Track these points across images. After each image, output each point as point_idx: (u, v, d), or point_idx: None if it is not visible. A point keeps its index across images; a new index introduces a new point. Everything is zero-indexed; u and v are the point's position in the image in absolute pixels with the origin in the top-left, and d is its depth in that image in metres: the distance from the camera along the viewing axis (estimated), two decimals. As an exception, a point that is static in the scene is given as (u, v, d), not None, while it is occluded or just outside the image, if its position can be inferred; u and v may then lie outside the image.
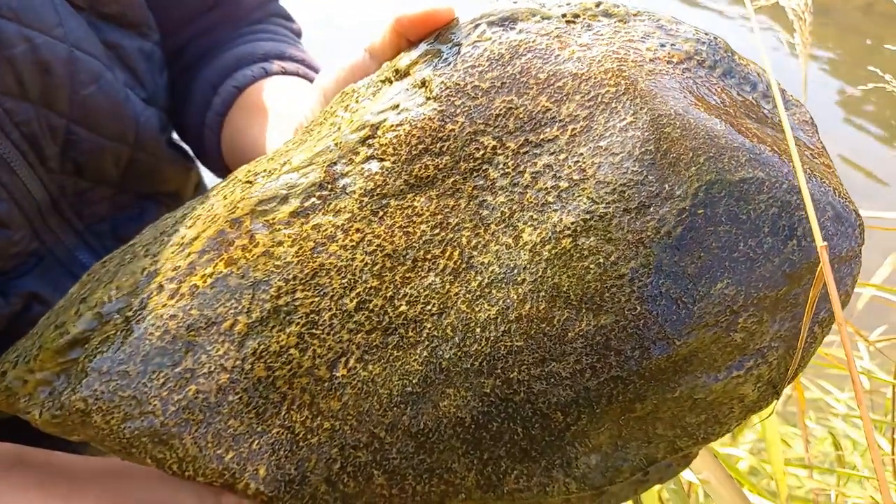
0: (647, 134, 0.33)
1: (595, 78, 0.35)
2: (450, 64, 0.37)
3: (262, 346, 0.37)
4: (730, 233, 0.32)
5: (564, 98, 0.35)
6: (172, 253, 0.40)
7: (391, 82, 0.40)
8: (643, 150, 0.33)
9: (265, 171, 0.41)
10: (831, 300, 0.32)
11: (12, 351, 0.43)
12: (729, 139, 0.33)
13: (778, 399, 0.34)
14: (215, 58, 0.66)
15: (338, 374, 0.36)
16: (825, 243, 0.31)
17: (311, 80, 0.65)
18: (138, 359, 0.38)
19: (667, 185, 0.32)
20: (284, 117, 0.58)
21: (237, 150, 0.62)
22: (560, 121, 0.35)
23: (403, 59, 0.40)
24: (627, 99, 0.34)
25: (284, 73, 0.65)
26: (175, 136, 0.67)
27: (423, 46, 0.39)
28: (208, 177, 0.72)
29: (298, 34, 0.73)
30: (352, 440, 0.36)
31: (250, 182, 0.40)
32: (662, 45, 0.37)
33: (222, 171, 0.67)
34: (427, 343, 0.35)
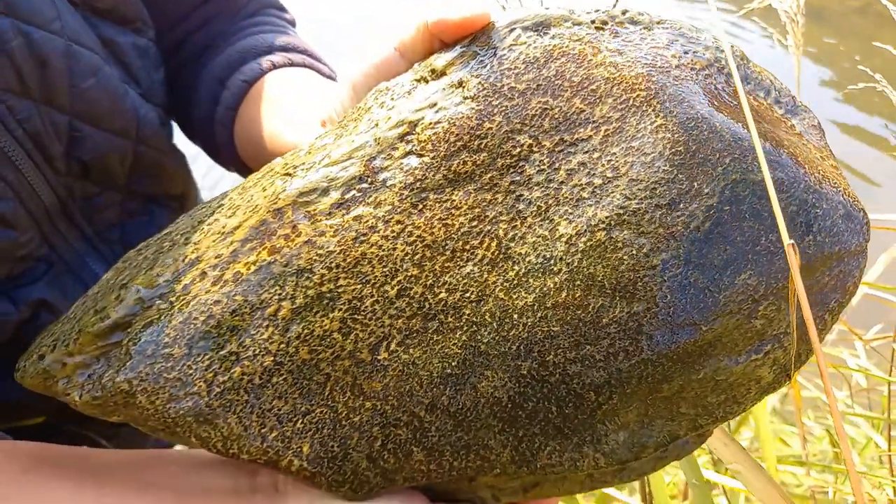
0: (676, 136, 0.36)
1: (626, 82, 0.37)
2: (486, 66, 0.40)
3: (305, 331, 0.39)
4: (753, 228, 0.34)
5: (597, 101, 0.37)
6: (214, 241, 0.41)
7: (427, 81, 0.42)
8: (673, 150, 0.35)
9: (303, 164, 0.42)
10: (799, 298, 0.34)
11: (48, 335, 0.44)
12: (751, 142, 0.36)
13: (789, 381, 0.37)
14: (218, 52, 0.66)
15: (380, 357, 0.38)
16: (792, 241, 0.34)
17: (317, 71, 0.66)
18: (183, 342, 0.39)
19: (696, 184, 0.35)
20: (301, 108, 0.59)
21: (253, 143, 0.63)
22: (594, 122, 0.37)
23: (439, 60, 0.42)
24: (658, 102, 0.37)
25: (291, 64, 0.65)
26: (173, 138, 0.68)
27: (458, 48, 0.41)
28: (205, 182, 0.73)
29: (293, 24, 0.74)
30: (393, 419, 0.38)
31: (290, 174, 0.42)
32: (686, 52, 0.39)
33: (237, 165, 0.67)
34: (466, 328, 0.37)
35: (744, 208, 0.35)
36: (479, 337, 0.37)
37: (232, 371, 0.39)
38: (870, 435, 0.76)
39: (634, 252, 0.35)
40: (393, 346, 0.38)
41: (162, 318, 0.40)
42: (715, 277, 0.34)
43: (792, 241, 0.34)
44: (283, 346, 0.39)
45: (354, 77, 0.46)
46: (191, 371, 0.39)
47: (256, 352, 0.39)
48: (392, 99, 0.43)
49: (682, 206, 0.35)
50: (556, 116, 0.38)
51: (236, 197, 0.44)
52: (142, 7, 0.58)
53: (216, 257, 0.41)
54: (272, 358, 0.39)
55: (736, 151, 0.35)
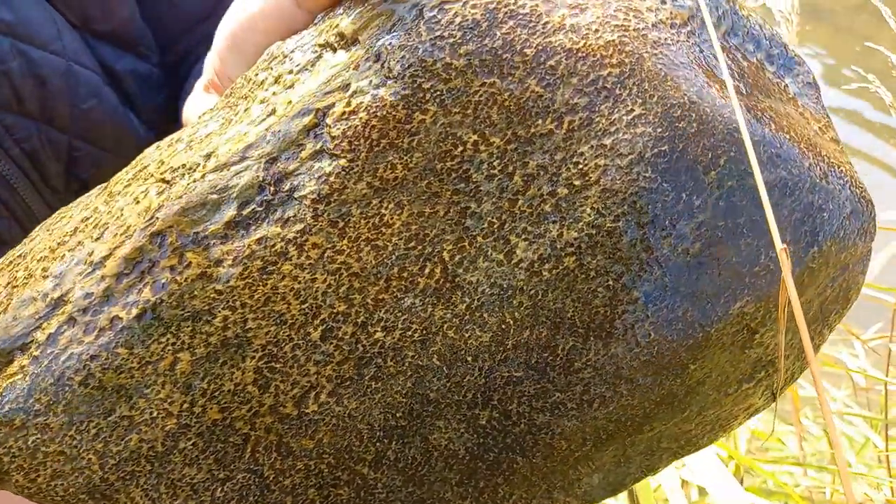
0: (659, 130, 0.28)
1: (594, 55, 0.29)
2: (411, 32, 0.30)
3: (213, 386, 0.31)
4: (751, 245, 0.28)
5: (558, 81, 0.29)
6: (80, 276, 0.32)
7: (334, 49, 0.32)
8: (656, 150, 0.28)
9: (184, 165, 0.33)
10: (794, 313, 0.29)
11: None
12: (750, 132, 0.29)
13: (777, 399, 0.32)
14: None
15: (308, 411, 0.32)
16: (784, 245, 0.28)
17: None
18: (60, 409, 0.31)
19: (684, 195, 0.28)
20: None
21: None
22: (554, 111, 0.29)
23: (346, 20, 0.32)
24: (634, 84, 0.29)
25: None
26: None
27: (370, 2, 0.31)
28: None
29: None
30: (331, 479, 0.32)
31: (167, 181, 0.33)
32: (663, 2, 0.31)
33: None
34: (411, 373, 0.31)
35: (741, 222, 0.28)
36: (426, 384, 0.31)
37: (127, 439, 0.32)
38: (867, 435, 0.75)
39: (611, 283, 0.29)
40: (323, 398, 0.32)
41: (28, 378, 0.32)
42: (706, 308, 0.29)
43: (784, 246, 0.28)
44: (186, 405, 0.31)
45: (233, 26, 0.36)
46: (75, 442, 0.32)
47: (155, 415, 0.32)
48: (291, 72, 0.33)
49: (668, 223, 0.28)
50: (507, 104, 0.29)
51: (102, 208, 0.34)
52: (145, 31, 0.55)
53: (86, 298, 0.32)
54: (175, 420, 0.32)
55: (732, 148, 0.28)
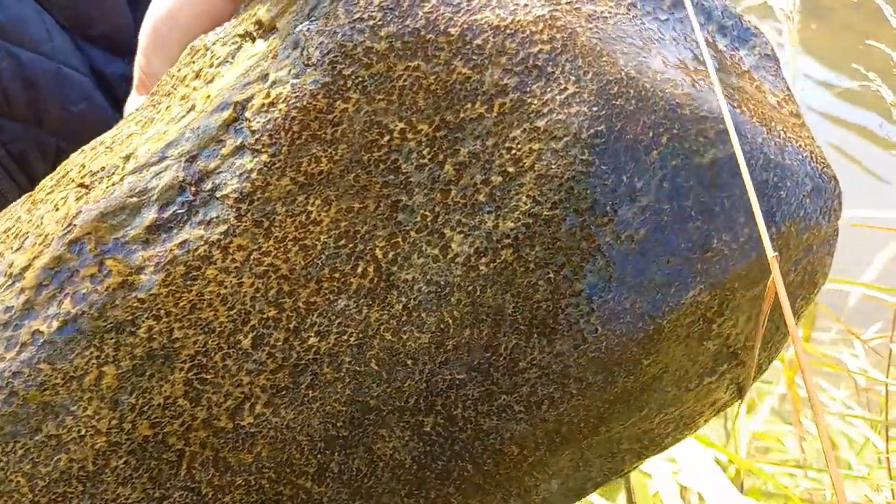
0: (595, 109, 0.26)
1: (523, 31, 0.27)
2: (329, 16, 0.28)
3: (141, 401, 0.30)
4: (701, 229, 0.26)
5: (486, 61, 0.27)
6: (1, 288, 0.31)
7: (253, 39, 0.30)
8: (592, 131, 0.26)
9: (104, 168, 0.31)
10: (784, 313, 0.27)
11: None
12: (694, 107, 0.27)
13: (742, 398, 0.30)
14: None
15: (244, 423, 0.30)
16: (776, 254, 0.26)
17: None
18: None
19: (625, 177, 0.26)
20: None
21: None
22: (484, 93, 0.27)
23: (263, 6, 0.30)
24: (567, 61, 0.26)
25: None
26: None
27: None
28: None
29: None
30: (273, 494, 0.30)
31: (86, 186, 0.31)
32: None
33: None
34: (349, 380, 0.29)
35: (688, 204, 0.26)
36: (366, 390, 0.29)
37: (56, 459, 0.30)
38: (867, 435, 0.73)
39: (551, 275, 0.27)
40: (259, 409, 0.30)
41: None
42: (656, 299, 0.26)
43: (776, 254, 0.26)
44: (115, 422, 0.30)
45: (154, 22, 0.34)
46: (2, 465, 0.30)
47: (83, 433, 0.30)
48: (212, 65, 0.31)
49: (608, 209, 0.26)
50: (433, 88, 0.27)
51: (24, 217, 0.33)
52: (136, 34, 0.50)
53: (6, 312, 0.30)
54: (105, 438, 0.30)
55: (674, 125, 0.26)
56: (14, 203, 0.35)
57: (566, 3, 0.27)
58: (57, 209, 0.31)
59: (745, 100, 0.28)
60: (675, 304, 0.27)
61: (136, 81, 0.37)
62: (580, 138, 0.26)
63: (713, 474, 0.58)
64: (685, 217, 0.26)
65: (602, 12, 0.28)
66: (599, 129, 0.26)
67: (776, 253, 0.25)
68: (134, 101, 0.38)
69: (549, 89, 0.27)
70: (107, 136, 0.33)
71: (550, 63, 0.27)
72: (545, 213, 0.26)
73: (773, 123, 0.28)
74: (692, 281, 0.27)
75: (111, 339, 0.29)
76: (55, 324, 0.30)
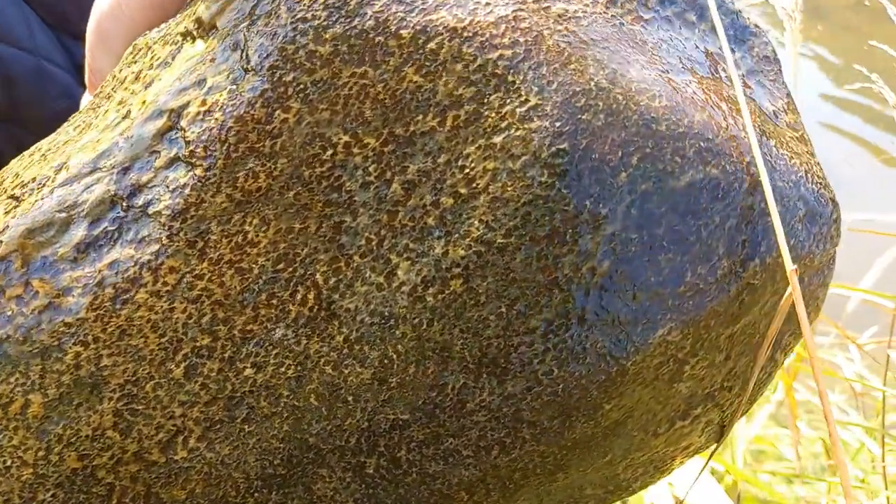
0: (558, 125, 0.23)
1: (482, 34, 0.24)
2: (270, 15, 0.25)
3: (69, 431, 0.28)
4: (674, 262, 0.23)
5: (440, 68, 0.24)
6: None
7: (193, 39, 0.28)
8: (553, 149, 0.23)
9: (35, 179, 0.29)
10: (805, 337, 0.24)
11: None
12: (672, 122, 0.24)
13: (722, 440, 0.27)
14: None
15: (176, 458, 0.28)
16: (795, 267, 0.23)
17: None
18: None
19: (588, 203, 0.23)
20: None
21: None
22: (436, 104, 0.24)
23: (202, 3, 0.27)
24: (530, 68, 0.24)
25: None
26: None
27: None
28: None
29: None
30: None
31: (16, 198, 0.29)
32: None
33: None
34: (287, 415, 0.27)
35: (660, 233, 0.23)
36: (305, 427, 0.26)
37: None
38: (862, 440, 0.71)
39: (503, 310, 0.24)
40: (192, 443, 0.27)
41: None
42: (620, 339, 0.24)
43: (795, 266, 0.23)
44: (42, 453, 0.28)
45: (98, 16, 0.31)
46: None
47: (9, 464, 0.28)
48: (151, 66, 0.29)
49: (568, 238, 0.23)
50: (381, 97, 0.25)
51: None
52: None
53: None
54: (31, 470, 0.28)
55: (648, 143, 0.23)
56: None
57: (533, 2, 0.24)
58: None
59: (733, 106, 0.25)
60: (641, 345, 0.24)
61: (86, 80, 0.34)
62: (540, 158, 0.23)
63: (709, 486, 0.56)
64: (656, 248, 0.23)
65: (575, 11, 0.25)
66: (562, 147, 0.23)
67: (794, 266, 0.22)
68: (85, 101, 0.36)
69: (508, 101, 0.24)
70: (45, 142, 0.31)
71: (511, 71, 0.24)
72: (499, 240, 0.24)
73: (763, 139, 0.25)
74: (661, 318, 0.24)
75: (37, 365, 0.27)
76: None
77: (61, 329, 0.27)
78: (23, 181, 0.29)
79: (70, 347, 0.27)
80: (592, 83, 0.23)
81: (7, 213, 0.29)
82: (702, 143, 0.24)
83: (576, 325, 0.24)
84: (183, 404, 0.27)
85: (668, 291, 0.24)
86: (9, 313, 0.28)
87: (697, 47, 0.27)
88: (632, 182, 0.23)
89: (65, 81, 0.50)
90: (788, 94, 0.28)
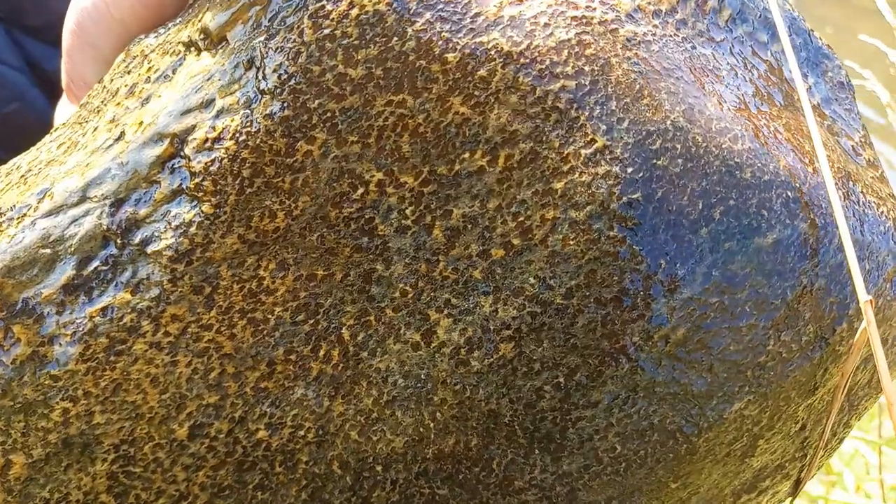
0: (630, 170, 0.20)
1: (541, 60, 0.21)
2: (292, 29, 0.22)
3: (56, 496, 0.24)
4: (755, 328, 0.21)
5: (492, 99, 0.21)
6: None
7: (199, 51, 0.24)
8: (625, 200, 0.20)
9: (14, 207, 0.25)
10: (879, 373, 0.22)
11: None
12: (756, 168, 0.21)
13: (795, 496, 0.25)
14: None
15: None
16: (870, 297, 0.21)
17: None
18: None
19: (663, 262, 0.20)
20: None
21: None
22: (487, 141, 0.21)
23: (212, 11, 0.23)
24: (597, 103, 0.20)
25: None
26: None
27: None
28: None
29: None
30: None
31: None
32: None
33: None
34: (305, 483, 0.24)
35: (742, 297, 0.20)
36: (326, 496, 0.24)
37: None
38: (856, 447, 0.70)
39: (562, 380, 0.21)
40: None
41: None
42: (692, 414, 0.21)
43: (870, 297, 0.21)
44: None
45: (77, 15, 0.27)
46: None
47: None
48: (149, 80, 0.25)
49: (639, 301, 0.20)
50: (422, 131, 0.21)
51: None
52: None
53: None
54: None
55: (731, 194, 0.20)
56: None
57: (599, 23, 0.21)
58: None
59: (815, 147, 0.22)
60: (715, 420, 0.21)
61: (63, 85, 0.30)
62: (609, 209, 0.20)
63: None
64: (738, 314, 0.20)
65: (644, 34, 0.21)
66: (634, 197, 0.20)
67: (869, 297, 0.19)
68: (62, 110, 0.32)
69: (571, 141, 0.20)
70: (24, 160, 0.27)
71: (575, 105, 0.20)
72: (558, 301, 0.21)
73: (850, 185, 0.22)
74: (739, 392, 0.21)
75: (19, 422, 0.24)
76: None
77: (47, 382, 0.24)
78: (0, 209, 0.25)
79: (57, 403, 0.24)
80: (668, 122, 0.20)
81: None
82: (789, 193, 0.21)
83: (643, 399, 0.21)
84: (187, 468, 0.24)
85: (748, 361, 0.21)
86: (-14, 363, 0.24)
87: (772, 73, 0.24)
88: (714, 239, 0.20)
89: (15, 82, 0.47)
90: (863, 126, 0.25)
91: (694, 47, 0.22)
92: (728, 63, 0.23)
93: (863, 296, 0.21)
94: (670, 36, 0.22)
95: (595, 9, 0.21)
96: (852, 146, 0.25)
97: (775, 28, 0.24)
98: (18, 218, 0.25)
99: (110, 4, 0.26)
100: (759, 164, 0.21)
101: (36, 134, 0.45)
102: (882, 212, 0.23)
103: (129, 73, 0.26)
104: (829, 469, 0.70)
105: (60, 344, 0.24)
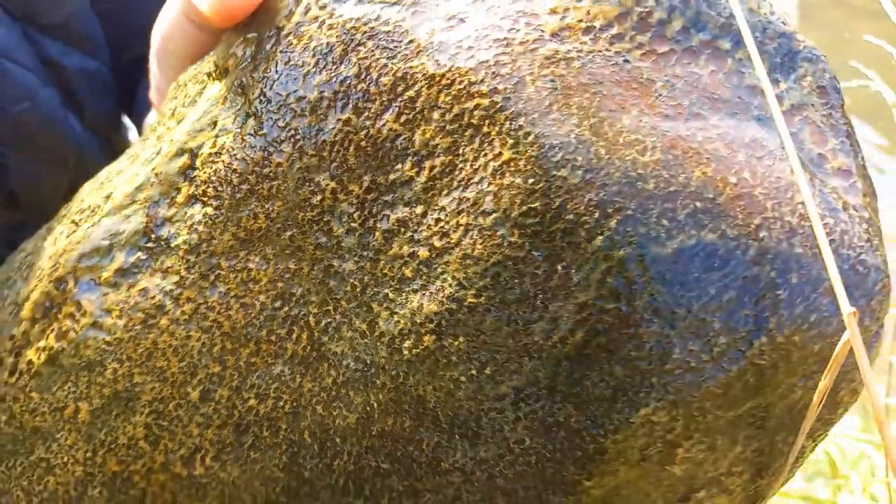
0: (531, 181, 0.21)
1: (460, 81, 0.23)
2: (269, 61, 0.26)
3: (109, 438, 0.31)
4: (658, 335, 0.21)
5: (418, 116, 0.23)
6: (9, 315, 0.33)
7: (213, 80, 0.29)
8: (525, 208, 0.22)
9: (90, 207, 0.32)
10: (872, 398, 0.21)
11: None
12: (663, 179, 0.21)
13: None
14: None
15: (196, 473, 0.30)
16: (853, 309, 0.20)
17: None
18: None
19: (559, 267, 0.21)
20: None
21: None
22: (414, 153, 0.23)
23: (221, 46, 0.28)
24: (506, 118, 0.22)
25: None
26: None
27: (247, 27, 0.27)
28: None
29: None
30: None
31: (76, 223, 0.32)
32: None
33: None
34: (286, 447, 0.27)
35: (640, 305, 0.21)
36: (300, 460, 0.27)
37: (46, 480, 0.32)
38: (862, 448, 0.63)
39: (474, 372, 0.23)
40: (208, 461, 0.29)
41: None
42: (596, 414, 0.22)
43: (854, 309, 0.21)
44: (89, 454, 0.31)
45: (154, 46, 0.33)
46: (5, 478, 0.33)
47: (65, 460, 0.31)
48: (184, 104, 0.30)
49: (539, 303, 0.22)
50: (364, 145, 0.24)
51: (39, 245, 0.35)
52: (95, 26, 0.49)
53: (10, 339, 0.33)
54: (82, 468, 0.31)
55: (630, 203, 0.21)
56: (45, 225, 0.37)
57: (520, 44, 0.23)
58: (55, 243, 0.33)
59: (759, 158, 0.22)
60: (620, 423, 0.22)
61: (152, 98, 0.36)
62: (510, 216, 0.22)
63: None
64: (635, 320, 0.21)
65: (567, 52, 0.22)
66: (533, 206, 0.21)
67: (853, 309, 0.19)
68: (149, 118, 0.38)
69: (483, 154, 0.22)
70: (108, 169, 0.34)
71: (487, 121, 0.22)
72: (469, 300, 0.22)
73: (789, 194, 0.22)
74: (645, 397, 0.21)
75: (84, 376, 0.30)
76: (43, 357, 0.31)
77: (103, 347, 0.30)
78: (82, 207, 0.32)
79: (109, 364, 0.30)
80: (573, 135, 0.21)
81: (68, 236, 0.32)
82: (698, 204, 0.21)
83: (547, 396, 0.22)
84: (199, 425, 0.29)
85: (651, 368, 0.21)
86: (64, 328, 0.31)
87: (726, 82, 0.23)
88: (609, 246, 0.21)
89: (26, 82, 0.46)
90: (845, 134, 0.24)
91: (627, 61, 0.23)
92: (667, 75, 0.23)
93: (846, 308, 0.21)
94: (599, 51, 0.23)
95: (519, 30, 0.23)
96: (819, 155, 0.23)
97: (741, 35, 0.24)
98: (91, 215, 0.31)
99: (168, 40, 0.32)
100: (667, 176, 0.21)
101: (42, 133, 0.46)
102: (829, 222, 0.22)
103: (175, 98, 0.31)
104: (835, 472, 0.65)
105: (112, 317, 0.30)
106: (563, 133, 0.21)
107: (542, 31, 0.23)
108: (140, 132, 0.56)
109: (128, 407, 0.30)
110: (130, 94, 0.55)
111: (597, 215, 0.21)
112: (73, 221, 0.32)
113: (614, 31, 0.23)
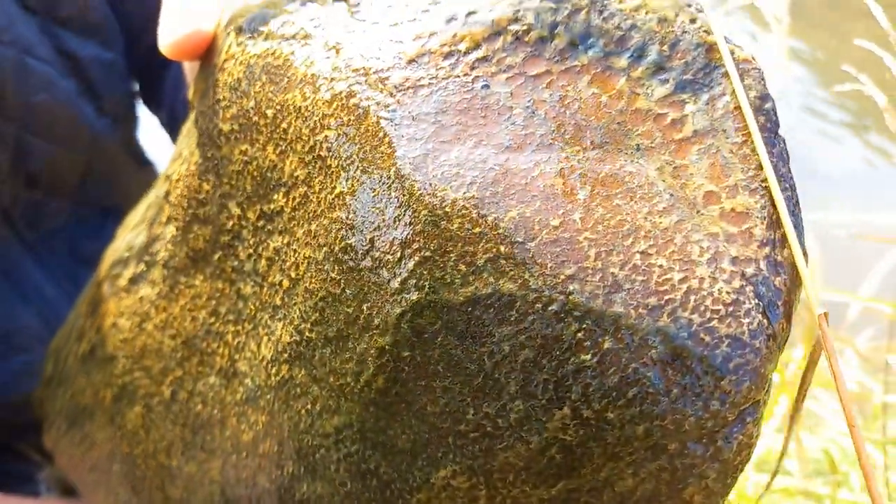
0: (351, 216, 0.21)
1: (317, 112, 0.23)
2: (206, 95, 0.28)
3: (120, 424, 0.35)
4: (452, 392, 0.19)
5: (288, 148, 0.24)
6: (84, 309, 0.40)
7: (189, 112, 0.32)
8: (344, 244, 0.21)
9: (129, 221, 0.37)
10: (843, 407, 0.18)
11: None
12: (469, 219, 0.19)
13: None
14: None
15: (172, 464, 0.33)
16: (825, 311, 0.17)
17: None
18: (63, 424, 0.39)
19: (364, 307, 0.20)
20: None
21: None
22: (284, 184, 0.24)
23: (194, 82, 0.31)
24: (344, 151, 0.22)
25: None
26: (141, 144, 0.62)
27: (207, 60, 0.30)
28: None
29: None
30: None
31: (114, 237, 0.37)
32: (449, 22, 0.22)
33: None
34: (219, 453, 0.29)
35: (433, 355, 0.19)
36: (227, 468, 0.29)
37: (91, 453, 0.38)
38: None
39: (310, 406, 0.23)
40: (178, 455, 0.32)
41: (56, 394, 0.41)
42: (402, 468, 0.20)
43: (826, 311, 0.19)
44: (111, 434, 0.36)
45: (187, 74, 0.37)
46: (72, 452, 0.39)
47: (101, 438, 0.37)
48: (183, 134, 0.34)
49: (350, 343, 0.21)
50: (255, 174, 0.25)
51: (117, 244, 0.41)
52: (110, 17, 0.53)
53: (78, 329, 0.39)
54: (109, 446, 0.36)
55: (430, 244, 0.19)
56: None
57: (374, 74, 0.22)
58: (109, 247, 0.39)
59: (606, 196, 0.19)
60: (423, 482, 0.20)
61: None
62: (334, 252, 0.21)
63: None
64: (431, 372, 0.19)
65: (418, 80, 0.21)
66: (351, 242, 0.21)
67: (824, 310, 0.17)
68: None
69: (325, 186, 0.22)
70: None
71: (331, 154, 0.22)
72: (306, 333, 0.22)
73: (629, 241, 0.18)
74: (443, 458, 0.19)
75: (107, 367, 0.35)
76: (87, 346, 0.37)
77: (118, 344, 0.35)
78: (127, 220, 0.38)
79: (120, 359, 0.34)
80: (393, 169, 0.20)
81: (113, 245, 0.37)
82: (502, 248, 0.18)
83: (361, 442, 0.21)
84: (171, 422, 0.32)
85: (447, 426, 0.19)
86: (99, 324, 0.36)
87: (608, 107, 0.20)
88: (405, 290, 0.19)
89: (44, 74, 0.47)
90: (756, 166, 0.19)
91: (486, 86, 0.21)
92: (531, 100, 0.21)
93: (818, 308, 0.18)
94: (457, 77, 0.21)
95: (378, 59, 0.22)
96: (710, 192, 0.19)
97: (641, 44, 0.21)
98: (123, 228, 0.36)
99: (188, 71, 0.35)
100: (475, 216, 0.19)
101: (60, 121, 0.47)
102: (670, 278, 0.18)
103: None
104: (834, 469, 0.63)
105: (123, 318, 0.34)
106: (385, 167, 0.20)
107: (399, 58, 0.22)
108: (162, 122, 0.59)
109: (131, 398, 0.34)
110: (149, 83, 0.57)
111: (398, 255, 0.20)
112: (119, 230, 0.38)
113: (480, 53, 0.21)
